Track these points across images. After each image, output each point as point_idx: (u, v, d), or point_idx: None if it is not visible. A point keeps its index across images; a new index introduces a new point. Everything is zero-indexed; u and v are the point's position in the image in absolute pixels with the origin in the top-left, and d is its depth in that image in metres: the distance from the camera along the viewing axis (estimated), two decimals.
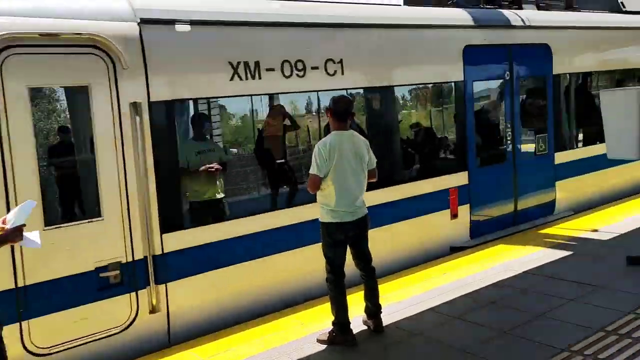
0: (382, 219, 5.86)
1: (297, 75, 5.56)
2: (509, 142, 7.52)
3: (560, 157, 8.03)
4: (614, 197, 8.66)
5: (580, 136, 8.74)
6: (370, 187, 4.70)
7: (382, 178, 4.91)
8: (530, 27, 7.77)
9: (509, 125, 7.51)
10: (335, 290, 4.47)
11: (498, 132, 7.67)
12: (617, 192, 8.81)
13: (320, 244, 4.55)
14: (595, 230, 7.02)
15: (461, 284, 5.56)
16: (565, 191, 8.02)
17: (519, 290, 5.32)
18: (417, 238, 6.53)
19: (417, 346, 4.40)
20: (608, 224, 7.22)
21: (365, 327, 4.67)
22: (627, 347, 4.05)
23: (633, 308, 4.65)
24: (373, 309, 4.61)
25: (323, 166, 4.37)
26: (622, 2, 9.95)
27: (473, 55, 6.98)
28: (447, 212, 6.80)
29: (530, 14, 8.03)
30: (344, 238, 4.47)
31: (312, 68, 5.66)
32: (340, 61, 5.83)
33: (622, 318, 4.50)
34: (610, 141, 2.91)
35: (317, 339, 4.54)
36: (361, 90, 6.33)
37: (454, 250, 6.78)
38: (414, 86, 6.99)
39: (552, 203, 7.98)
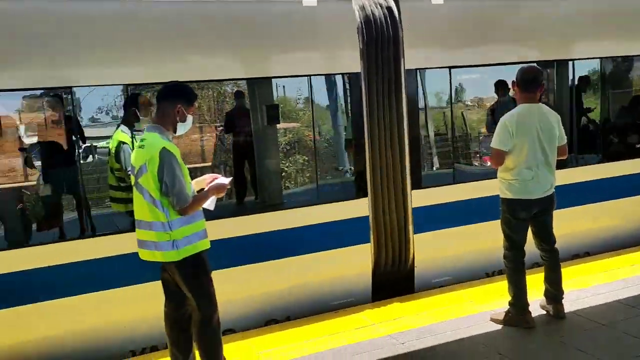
0: None
1: None
2: None
3: None
4: None
5: None
6: None
7: None
8: None
9: None
10: (514, 269, 4.29)
11: None
12: None
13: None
14: None
15: None
16: None
17: None
18: None
19: (601, 337, 4.09)
20: None
21: (543, 312, 4.44)
22: None
23: None
24: (555, 293, 4.36)
25: (508, 140, 4.16)
26: None
27: None
28: None
29: None
30: (525, 216, 4.25)
31: None
32: None
33: None
34: None
35: (490, 318, 4.41)
36: None
37: None
38: None
39: None
